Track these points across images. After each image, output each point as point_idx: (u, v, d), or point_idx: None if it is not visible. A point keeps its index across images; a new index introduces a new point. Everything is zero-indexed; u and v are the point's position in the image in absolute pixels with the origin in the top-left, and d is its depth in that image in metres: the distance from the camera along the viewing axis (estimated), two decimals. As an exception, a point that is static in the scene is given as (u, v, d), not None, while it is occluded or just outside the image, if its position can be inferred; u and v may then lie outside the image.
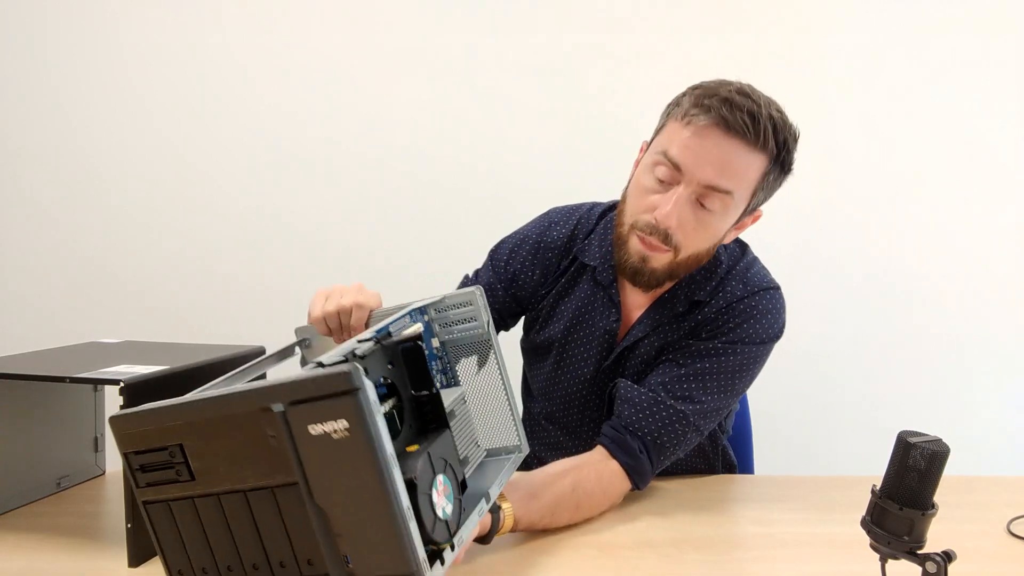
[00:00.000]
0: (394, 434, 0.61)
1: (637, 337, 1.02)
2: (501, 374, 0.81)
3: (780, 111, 0.91)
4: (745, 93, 0.89)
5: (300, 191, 1.99)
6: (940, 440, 0.58)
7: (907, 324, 1.93)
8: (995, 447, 1.92)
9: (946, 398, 1.94)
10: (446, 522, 0.60)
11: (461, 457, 0.70)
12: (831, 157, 1.88)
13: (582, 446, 1.01)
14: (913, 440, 0.58)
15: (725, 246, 1.03)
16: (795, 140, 0.92)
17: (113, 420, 0.62)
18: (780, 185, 0.96)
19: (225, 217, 2.00)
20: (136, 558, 0.77)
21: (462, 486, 0.64)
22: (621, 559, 0.79)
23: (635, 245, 0.94)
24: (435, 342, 0.81)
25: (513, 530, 0.80)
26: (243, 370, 0.76)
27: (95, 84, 1.99)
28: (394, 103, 1.95)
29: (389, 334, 0.66)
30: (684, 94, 0.93)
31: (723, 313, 0.99)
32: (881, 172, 1.91)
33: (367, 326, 0.87)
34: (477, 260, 1.17)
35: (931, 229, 1.92)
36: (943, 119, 1.89)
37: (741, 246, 1.07)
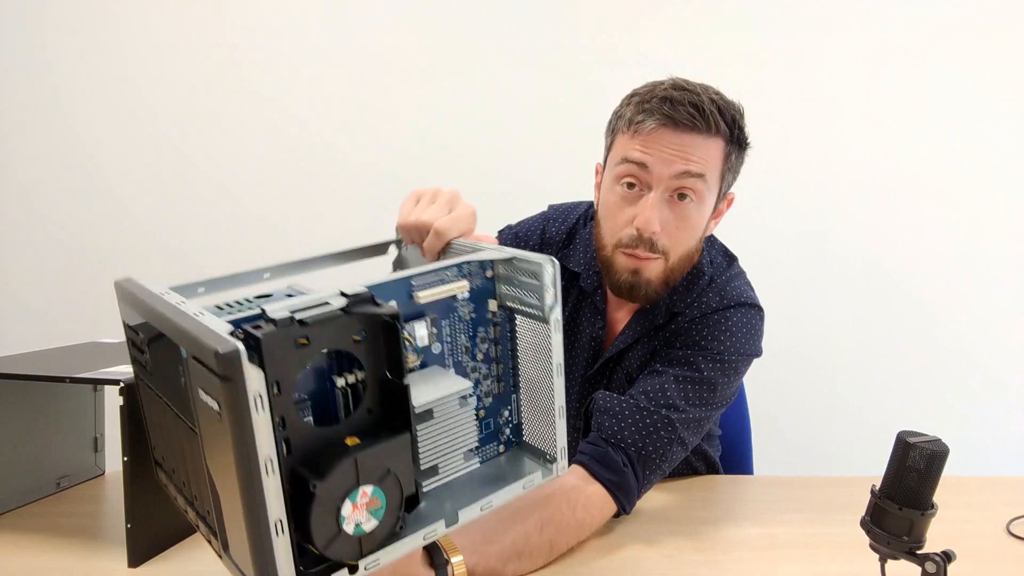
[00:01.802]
0: (343, 415, 0.51)
1: (621, 347, 0.99)
2: (553, 373, 0.61)
3: (718, 93, 0.90)
4: (680, 87, 0.88)
5: (301, 192, 1.99)
6: (939, 440, 0.58)
7: (907, 324, 1.93)
8: (995, 447, 1.93)
9: (946, 398, 1.94)
10: (359, 539, 0.50)
11: (426, 466, 0.56)
12: (834, 158, 1.88)
13: None
14: (912, 440, 0.58)
15: (711, 259, 1.01)
16: (742, 115, 0.91)
17: (117, 284, 0.59)
18: (743, 162, 0.95)
19: (225, 217, 2.00)
20: (136, 558, 0.77)
21: (411, 502, 0.52)
22: (621, 559, 0.79)
23: (622, 262, 0.92)
24: (492, 305, 0.63)
25: None
26: (322, 257, 0.68)
27: (96, 83, 1.99)
28: (398, 103, 1.95)
29: (371, 298, 0.51)
30: (621, 106, 0.93)
31: (696, 323, 0.95)
32: (882, 173, 1.90)
33: (443, 255, 0.71)
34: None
35: (931, 229, 1.92)
36: (946, 122, 1.89)
37: (729, 259, 1.04)
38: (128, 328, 0.60)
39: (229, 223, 2.00)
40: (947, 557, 0.57)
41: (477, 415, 0.63)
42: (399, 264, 0.80)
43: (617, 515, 0.85)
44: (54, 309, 2.03)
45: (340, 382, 0.51)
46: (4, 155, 2.03)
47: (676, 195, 0.89)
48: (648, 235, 0.88)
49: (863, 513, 0.62)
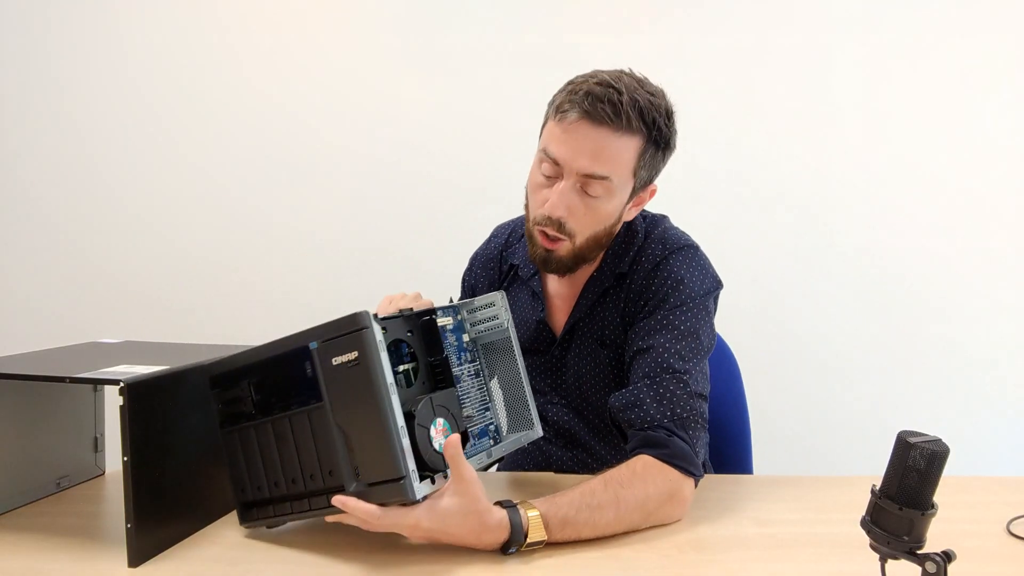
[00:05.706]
0: (407, 386, 0.80)
1: (573, 322, 1.07)
2: (519, 366, 0.96)
3: (651, 93, 0.95)
4: (607, 83, 0.94)
5: (302, 191, 1.99)
6: (940, 440, 0.58)
7: (907, 324, 1.93)
8: (995, 447, 1.93)
9: (946, 398, 1.94)
10: (442, 456, 0.75)
11: (465, 414, 0.86)
12: (834, 157, 1.88)
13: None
14: (913, 440, 0.58)
15: (643, 216, 1.08)
16: (667, 117, 0.96)
17: (207, 368, 0.85)
18: (665, 160, 1.01)
19: (225, 217, 2.00)
20: (136, 558, 0.77)
21: (463, 436, 0.79)
22: (621, 559, 0.79)
23: (538, 239, 1.00)
24: (466, 337, 0.94)
25: (548, 536, 0.78)
26: None
27: (96, 84, 2.00)
28: (401, 104, 1.95)
29: (412, 310, 0.84)
30: (560, 91, 0.99)
31: (650, 277, 1.02)
32: (883, 173, 1.91)
33: None
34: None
35: (931, 229, 1.92)
36: (945, 120, 1.89)
37: (657, 217, 1.11)
38: (227, 389, 0.83)
39: (230, 224, 2.00)
40: (947, 557, 0.57)
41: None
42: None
43: (695, 483, 0.91)
44: (54, 309, 2.03)
45: (401, 368, 0.81)
46: (4, 155, 2.03)
47: (584, 189, 0.96)
48: (556, 218, 0.96)
49: (863, 513, 0.62)
